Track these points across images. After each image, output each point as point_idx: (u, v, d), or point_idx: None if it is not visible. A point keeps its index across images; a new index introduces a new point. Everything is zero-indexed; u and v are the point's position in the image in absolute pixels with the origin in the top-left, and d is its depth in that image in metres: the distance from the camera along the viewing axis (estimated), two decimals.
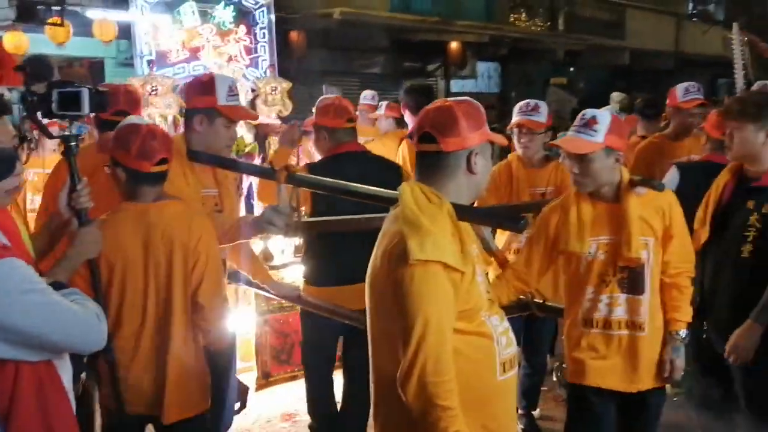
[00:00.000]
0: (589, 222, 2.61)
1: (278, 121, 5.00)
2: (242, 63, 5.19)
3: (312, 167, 3.44)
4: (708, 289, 3.01)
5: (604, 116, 2.55)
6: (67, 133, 2.20)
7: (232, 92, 2.86)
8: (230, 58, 5.13)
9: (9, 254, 1.64)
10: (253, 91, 5.15)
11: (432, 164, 1.88)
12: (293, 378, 4.47)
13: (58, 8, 8.87)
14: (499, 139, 1.96)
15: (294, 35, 10.65)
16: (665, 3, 19.67)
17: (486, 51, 15.31)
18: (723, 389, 3.04)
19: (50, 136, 2.31)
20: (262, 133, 4.99)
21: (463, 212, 1.86)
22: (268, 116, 5.03)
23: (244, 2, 5.25)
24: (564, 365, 4.06)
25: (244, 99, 5.00)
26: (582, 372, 2.67)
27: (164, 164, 2.40)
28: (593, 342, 2.64)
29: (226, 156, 2.92)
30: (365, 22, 11.87)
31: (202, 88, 2.83)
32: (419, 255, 1.72)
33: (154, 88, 4.63)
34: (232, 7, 5.13)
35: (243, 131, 4.92)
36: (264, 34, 5.32)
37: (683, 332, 2.65)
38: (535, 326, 3.77)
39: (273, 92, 5.11)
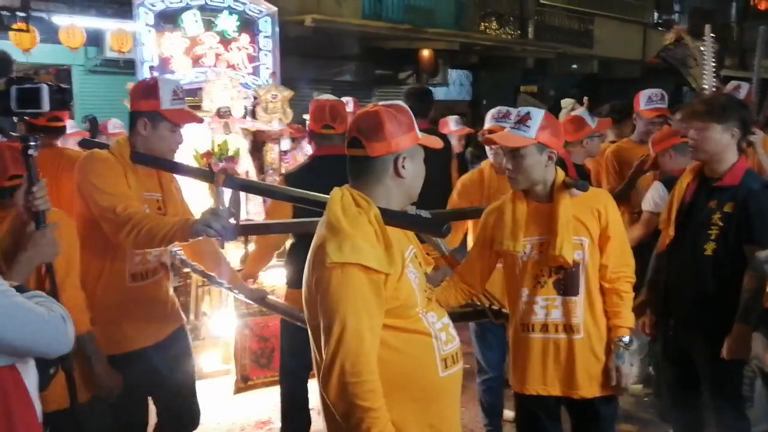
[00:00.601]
0: (523, 221, 2.60)
1: (275, 128, 5.02)
2: (244, 71, 5.27)
3: (286, 177, 3.45)
4: (673, 286, 3.08)
5: (537, 113, 2.55)
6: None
7: (177, 96, 2.78)
8: (232, 66, 5.24)
9: None
10: (254, 98, 5.16)
11: (360, 169, 1.90)
12: (274, 383, 4.35)
13: (23, 14, 8.73)
14: (432, 142, 1.96)
15: None
16: (632, 12, 20.00)
17: (457, 59, 15.39)
18: (690, 384, 3.10)
19: (7, 136, 2.23)
20: (259, 140, 4.96)
21: (389, 217, 1.86)
22: (267, 123, 5.05)
23: (248, 11, 5.35)
24: None
25: (242, 106, 5.04)
26: (524, 381, 2.65)
27: (18, 179, 2.33)
28: (533, 348, 2.61)
29: (171, 159, 2.86)
30: (337, 29, 11.88)
31: (146, 91, 2.75)
32: (336, 258, 1.75)
33: None
34: (236, 16, 5.23)
35: (238, 137, 4.92)
36: (267, 42, 5.44)
37: (626, 338, 2.60)
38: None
39: (273, 100, 5.16)
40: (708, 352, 2.91)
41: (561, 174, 2.62)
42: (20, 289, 1.68)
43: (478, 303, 2.79)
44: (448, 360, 1.91)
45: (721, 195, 2.92)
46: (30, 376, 1.72)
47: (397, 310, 1.84)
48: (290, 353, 3.52)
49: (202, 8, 5.17)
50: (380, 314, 1.80)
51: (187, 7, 5.15)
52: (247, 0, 5.38)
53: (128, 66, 11.39)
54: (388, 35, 13.22)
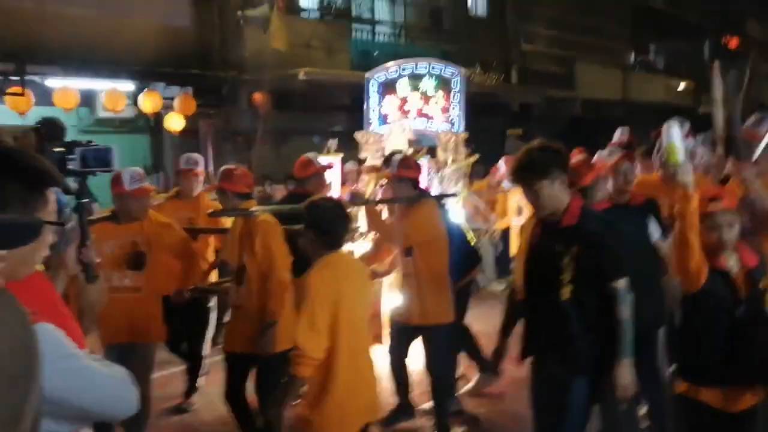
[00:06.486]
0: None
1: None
2: (438, 120, 6.87)
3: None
4: (537, 332, 3.15)
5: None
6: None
7: (135, 179, 4.06)
8: (430, 117, 6.83)
9: (40, 319, 1.49)
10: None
11: None
12: None
13: (17, 78, 8.89)
14: None
15: (258, 96, 10.80)
16: (610, 55, 20.50)
17: None
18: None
19: (68, 192, 2.33)
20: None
21: None
22: (444, 161, 6.70)
23: (443, 74, 6.94)
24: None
25: (411, 149, 6.34)
26: None
27: None
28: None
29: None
30: (328, 81, 12.11)
31: (114, 180, 4.05)
32: None
33: (366, 141, 6.75)
34: (434, 78, 6.86)
35: None
36: (457, 96, 6.93)
37: None
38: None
39: (449, 141, 6.71)
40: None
41: None
42: None
43: None
44: None
45: (565, 237, 2.98)
46: None
47: None
48: None
49: (411, 75, 6.85)
50: None
51: (401, 76, 6.87)
52: (442, 65, 7.06)
53: (123, 125, 11.59)
54: None
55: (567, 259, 2.94)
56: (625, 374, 2.92)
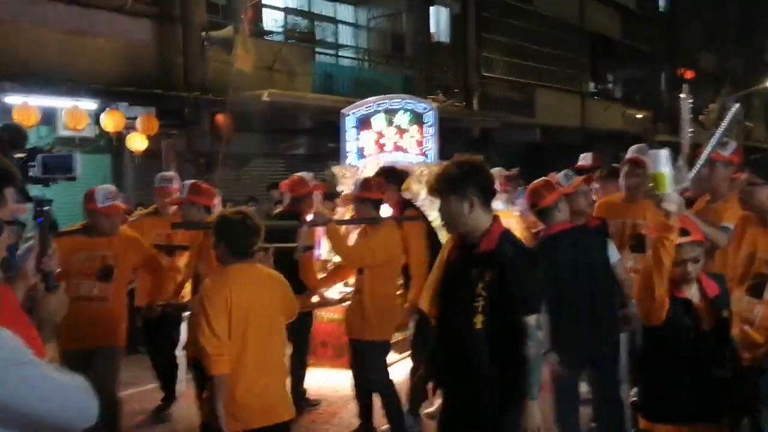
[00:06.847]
0: None
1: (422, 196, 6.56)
2: (413, 152, 7.14)
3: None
4: (444, 360, 2.98)
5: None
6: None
7: (108, 197, 4.28)
8: (405, 150, 7.11)
9: None
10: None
11: None
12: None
13: None
14: None
15: (221, 118, 10.80)
16: (569, 83, 21.02)
17: None
18: None
19: (28, 200, 2.28)
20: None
21: None
22: (417, 192, 6.63)
23: (416, 109, 7.31)
24: None
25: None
26: None
27: None
28: None
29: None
30: (291, 104, 12.18)
31: (87, 196, 4.33)
32: None
33: (343, 175, 7.01)
34: (408, 113, 7.21)
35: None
36: (430, 130, 7.19)
37: None
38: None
39: (422, 174, 6.68)
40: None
41: None
42: None
43: None
44: None
45: (480, 262, 2.81)
46: None
47: None
48: None
49: (386, 110, 7.23)
50: None
51: (376, 111, 7.23)
52: (415, 100, 7.52)
53: (84, 144, 11.47)
54: (339, 108, 13.56)
55: (480, 286, 2.76)
56: (532, 416, 2.74)
